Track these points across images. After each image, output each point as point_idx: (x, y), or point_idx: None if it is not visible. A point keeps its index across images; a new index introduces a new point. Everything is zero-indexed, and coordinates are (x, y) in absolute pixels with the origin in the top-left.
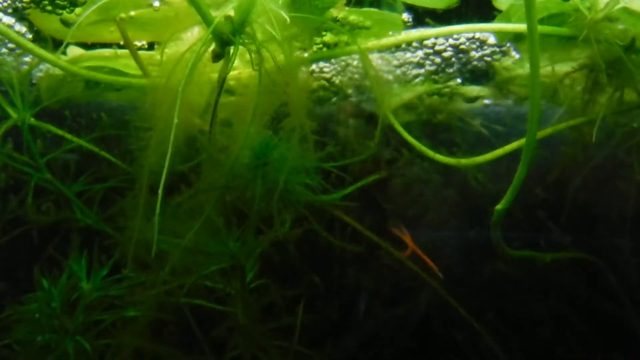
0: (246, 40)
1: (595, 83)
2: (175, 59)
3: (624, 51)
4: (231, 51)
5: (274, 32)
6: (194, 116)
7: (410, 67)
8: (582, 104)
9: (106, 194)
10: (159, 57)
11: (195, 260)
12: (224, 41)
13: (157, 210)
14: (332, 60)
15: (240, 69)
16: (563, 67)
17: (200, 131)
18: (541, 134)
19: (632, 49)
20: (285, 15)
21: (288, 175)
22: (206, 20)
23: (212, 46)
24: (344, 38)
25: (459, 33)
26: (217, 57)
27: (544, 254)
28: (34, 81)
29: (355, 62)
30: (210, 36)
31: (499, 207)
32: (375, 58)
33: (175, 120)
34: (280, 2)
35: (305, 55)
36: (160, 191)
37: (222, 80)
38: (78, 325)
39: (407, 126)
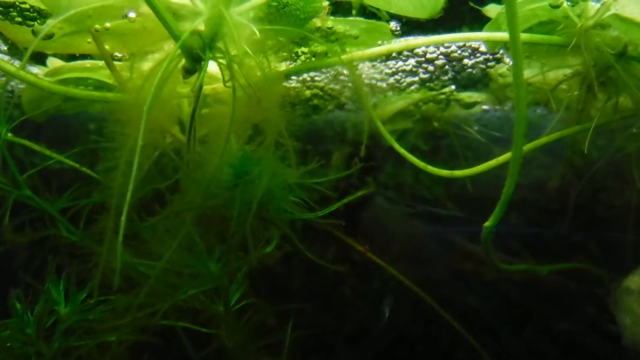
0: (217, 55)
1: (589, 91)
2: (146, 74)
3: (615, 59)
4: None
5: (245, 47)
6: (167, 133)
7: (403, 75)
8: (576, 112)
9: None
10: (137, 70)
11: (175, 283)
12: (194, 56)
13: (120, 235)
14: (323, 69)
15: (219, 83)
16: (558, 74)
17: (174, 149)
18: (533, 145)
19: (624, 57)
20: (255, 28)
21: (270, 192)
22: (174, 35)
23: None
24: (335, 47)
25: (447, 42)
26: (188, 72)
27: (540, 267)
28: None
29: (346, 71)
30: (180, 51)
31: (487, 224)
32: (367, 67)
33: (140, 142)
34: (251, 15)
35: (283, 68)
36: (124, 213)
37: (197, 96)
38: (54, 352)
39: (404, 134)
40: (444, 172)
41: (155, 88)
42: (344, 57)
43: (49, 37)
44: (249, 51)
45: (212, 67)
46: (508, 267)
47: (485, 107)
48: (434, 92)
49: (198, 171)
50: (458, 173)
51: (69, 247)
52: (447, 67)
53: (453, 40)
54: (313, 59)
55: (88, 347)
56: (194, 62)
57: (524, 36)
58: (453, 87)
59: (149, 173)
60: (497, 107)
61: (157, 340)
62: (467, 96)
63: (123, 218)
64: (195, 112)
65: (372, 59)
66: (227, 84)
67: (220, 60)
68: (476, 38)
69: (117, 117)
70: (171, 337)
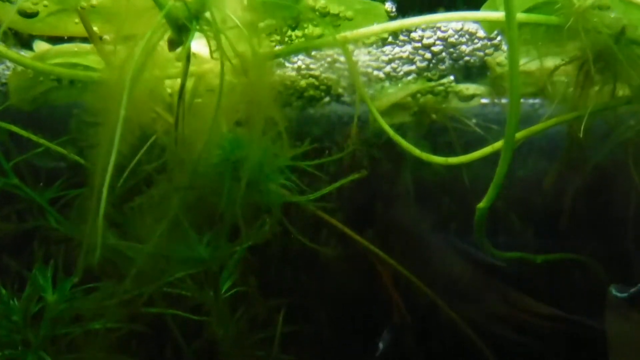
0: (205, 27)
1: (587, 76)
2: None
3: (614, 41)
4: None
5: (233, 17)
6: (152, 111)
7: (400, 64)
8: (573, 99)
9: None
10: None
11: (163, 268)
12: (180, 27)
13: (101, 212)
14: (318, 56)
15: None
16: (556, 61)
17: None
18: (528, 131)
19: (623, 39)
20: None
21: (261, 174)
22: (159, 4)
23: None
24: (329, 27)
25: (441, 22)
26: (173, 45)
27: (533, 256)
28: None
29: (342, 58)
30: (165, 21)
31: (480, 205)
32: (362, 53)
33: (123, 113)
34: None
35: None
36: (105, 190)
37: (186, 70)
38: (41, 340)
39: (401, 128)
40: (439, 159)
41: (139, 57)
42: (338, 36)
43: (33, 15)
44: (238, 22)
45: (201, 49)
46: (502, 254)
47: (484, 100)
48: (432, 83)
49: (186, 151)
50: (453, 160)
51: (58, 234)
52: (444, 54)
53: (448, 19)
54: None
55: (76, 336)
56: (180, 33)
57: (520, 16)
58: (451, 77)
59: (135, 154)
60: (496, 100)
61: (147, 330)
62: (465, 88)
63: (104, 190)
64: (184, 86)
65: (366, 39)
66: (214, 56)
67: (208, 33)
68: (472, 18)
69: (101, 96)
70: (162, 329)
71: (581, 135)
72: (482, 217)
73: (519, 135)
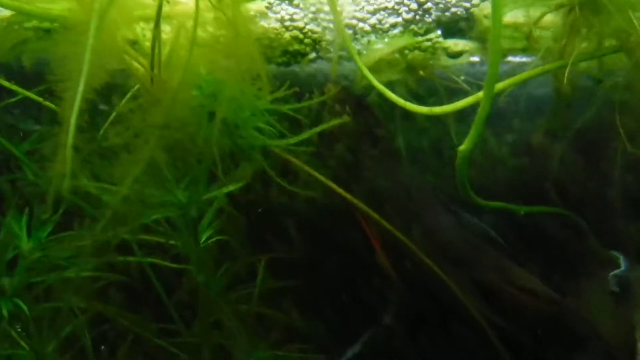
0: None
1: (574, 25)
2: None
3: None
4: None
5: None
6: (125, 52)
7: (385, 15)
8: (558, 50)
9: None
10: None
11: (139, 211)
12: None
13: (69, 143)
14: (301, 6)
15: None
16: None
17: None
18: (513, 81)
19: None
20: None
21: (240, 117)
22: None
23: None
24: None
25: None
26: None
27: (518, 206)
28: None
29: (327, 7)
30: None
31: (462, 147)
32: (347, 3)
33: (91, 41)
34: None
35: None
36: (73, 119)
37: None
38: (16, 287)
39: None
40: (423, 109)
41: None
42: None
43: None
44: None
45: None
46: (485, 202)
47: (473, 58)
48: (420, 38)
49: (162, 91)
50: (437, 110)
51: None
52: (430, 4)
53: None
54: None
55: (54, 283)
56: None
57: None
58: (439, 31)
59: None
60: (484, 58)
61: (125, 279)
62: (454, 44)
63: (73, 120)
64: (159, 19)
65: None
66: None
67: None
68: None
69: (72, 31)
70: (142, 279)
71: (565, 81)
72: (463, 160)
73: (502, 85)
